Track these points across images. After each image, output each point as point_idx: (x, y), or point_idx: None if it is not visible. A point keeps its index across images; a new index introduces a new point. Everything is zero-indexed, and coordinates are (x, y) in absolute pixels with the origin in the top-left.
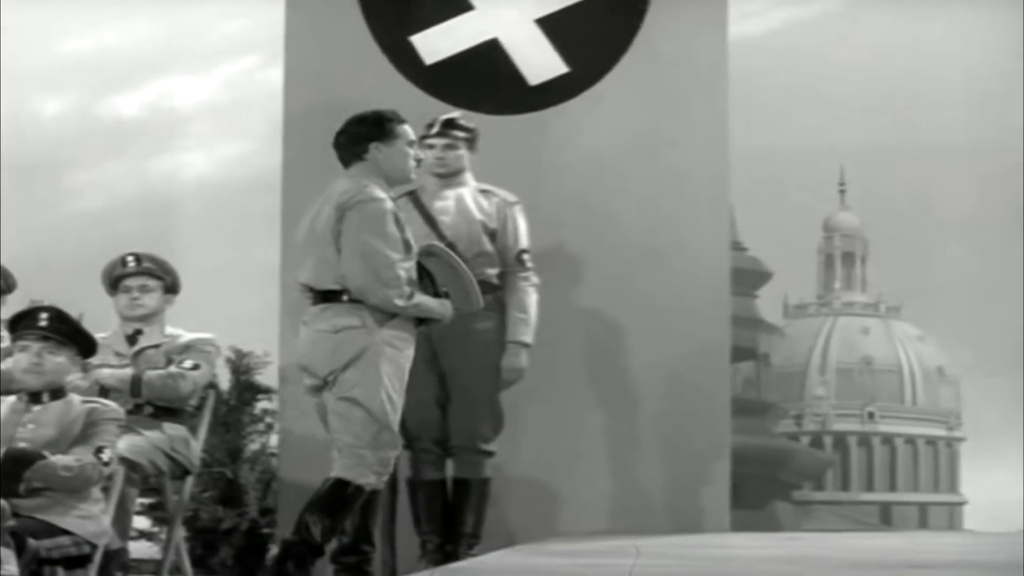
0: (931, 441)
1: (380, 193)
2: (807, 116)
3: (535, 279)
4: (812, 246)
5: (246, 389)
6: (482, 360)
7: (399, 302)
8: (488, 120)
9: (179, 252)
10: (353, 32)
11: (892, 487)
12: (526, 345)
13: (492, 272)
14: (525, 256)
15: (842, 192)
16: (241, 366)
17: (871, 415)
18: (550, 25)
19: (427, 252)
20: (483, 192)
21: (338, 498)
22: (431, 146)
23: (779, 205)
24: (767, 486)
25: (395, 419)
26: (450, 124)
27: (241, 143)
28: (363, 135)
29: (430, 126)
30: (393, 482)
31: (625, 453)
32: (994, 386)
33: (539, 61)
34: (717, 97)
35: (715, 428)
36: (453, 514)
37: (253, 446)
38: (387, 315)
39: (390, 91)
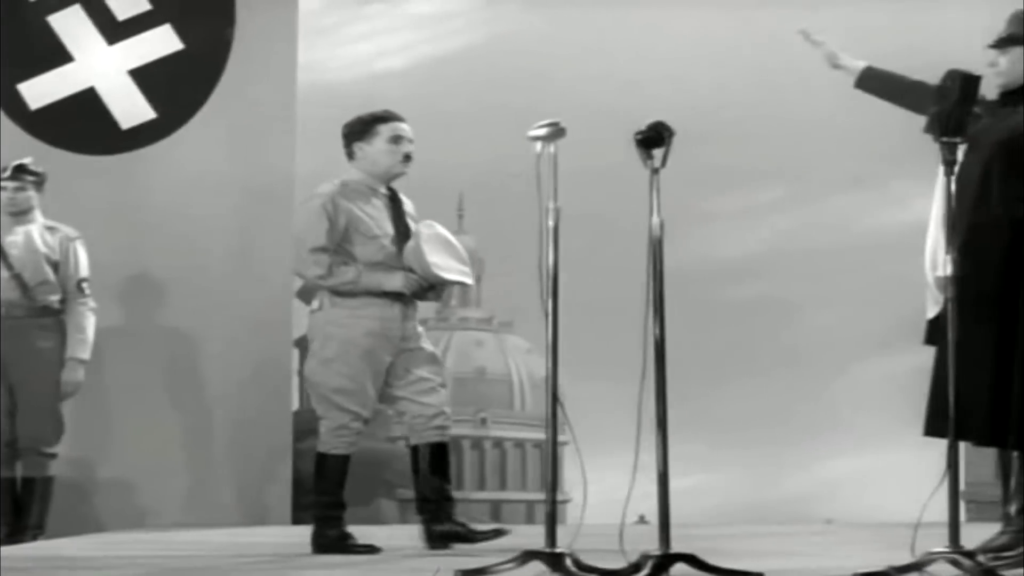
0: (538, 444)
1: (323, 190)
2: (430, 148)
3: (92, 304)
4: None
5: None
6: (44, 374)
7: (313, 277)
8: (86, 160)
9: None
10: None
11: (502, 486)
12: (83, 361)
13: (54, 298)
14: (84, 284)
15: (460, 216)
16: None
17: (483, 420)
18: (141, 76)
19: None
20: (49, 228)
21: (318, 468)
22: (4, 188)
23: None
24: (372, 485)
25: (343, 388)
26: (20, 169)
27: None
28: (349, 135)
29: (4, 170)
30: None
31: (200, 455)
32: (592, 394)
33: (131, 108)
34: (286, 138)
35: (279, 433)
36: (20, 507)
37: None
38: (339, 295)
39: (2, 134)
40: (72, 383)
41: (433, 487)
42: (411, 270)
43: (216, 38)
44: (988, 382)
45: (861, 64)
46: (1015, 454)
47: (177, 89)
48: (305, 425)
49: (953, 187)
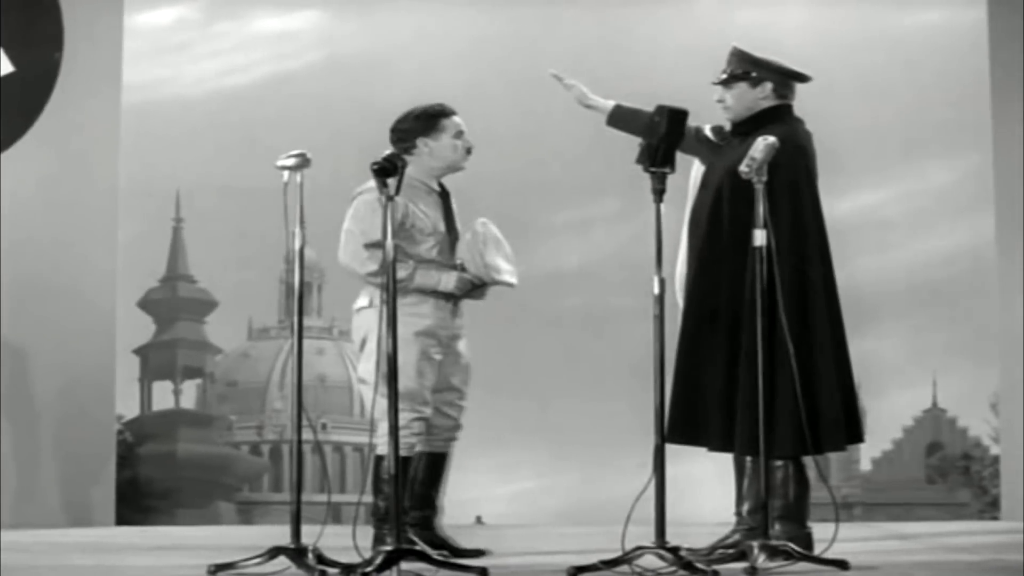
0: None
1: (371, 184)
2: (258, 163)
3: None
4: (276, 276)
5: None
6: None
7: (366, 273)
8: None
9: None
10: None
11: (342, 489)
12: None
13: None
14: None
15: (303, 226)
16: None
17: (324, 426)
18: None
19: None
20: None
21: (377, 471)
22: None
23: (243, 242)
24: (210, 488)
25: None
26: None
27: None
28: (411, 131)
29: None
30: None
31: (27, 460)
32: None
33: None
34: (111, 155)
35: (103, 438)
36: None
37: None
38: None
39: None
40: None
41: (423, 494)
42: (463, 268)
43: (45, 62)
44: (720, 392)
45: (610, 103)
46: (749, 458)
47: (7, 110)
48: (145, 430)
49: (680, 212)
